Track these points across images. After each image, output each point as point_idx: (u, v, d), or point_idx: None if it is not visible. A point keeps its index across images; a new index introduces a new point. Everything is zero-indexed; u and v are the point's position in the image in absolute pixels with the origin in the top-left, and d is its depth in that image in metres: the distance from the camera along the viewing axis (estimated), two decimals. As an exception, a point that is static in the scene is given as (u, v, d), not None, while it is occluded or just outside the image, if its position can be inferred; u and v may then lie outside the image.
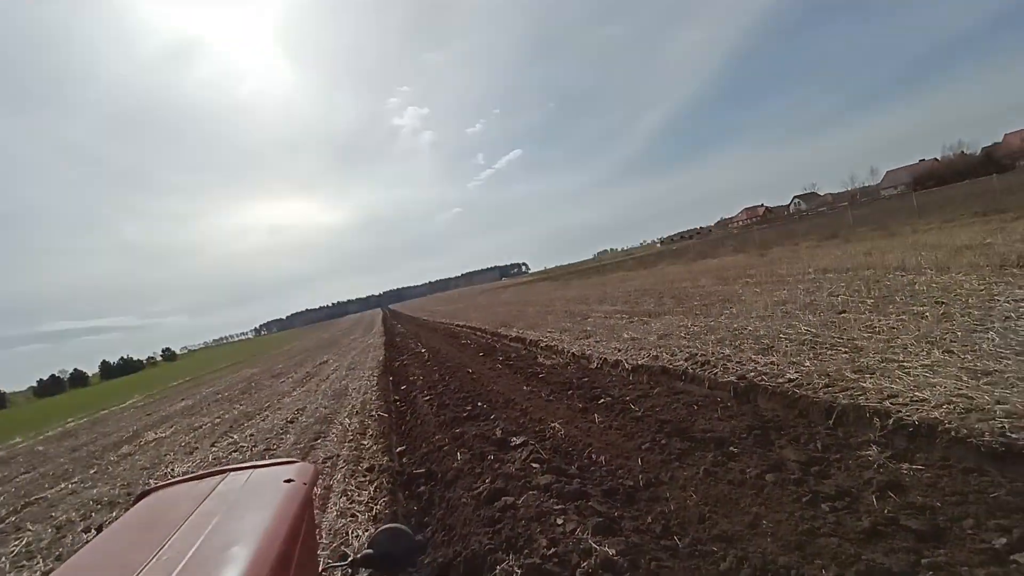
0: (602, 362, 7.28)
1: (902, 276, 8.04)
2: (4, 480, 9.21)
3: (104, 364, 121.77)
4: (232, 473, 1.30)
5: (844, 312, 6.55)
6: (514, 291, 42.72)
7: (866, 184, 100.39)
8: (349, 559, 1.24)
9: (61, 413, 24.76)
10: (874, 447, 3.18)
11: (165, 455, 8.13)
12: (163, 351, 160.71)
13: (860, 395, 3.82)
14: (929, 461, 2.92)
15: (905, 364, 4.18)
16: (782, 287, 9.71)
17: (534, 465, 3.89)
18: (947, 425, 3.04)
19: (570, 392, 6.12)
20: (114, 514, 5.44)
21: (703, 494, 3.03)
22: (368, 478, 4.69)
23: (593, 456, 3.98)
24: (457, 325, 19.88)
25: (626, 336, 8.36)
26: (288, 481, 1.21)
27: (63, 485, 7.58)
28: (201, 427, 9.98)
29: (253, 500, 1.12)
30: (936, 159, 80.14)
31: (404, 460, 5.30)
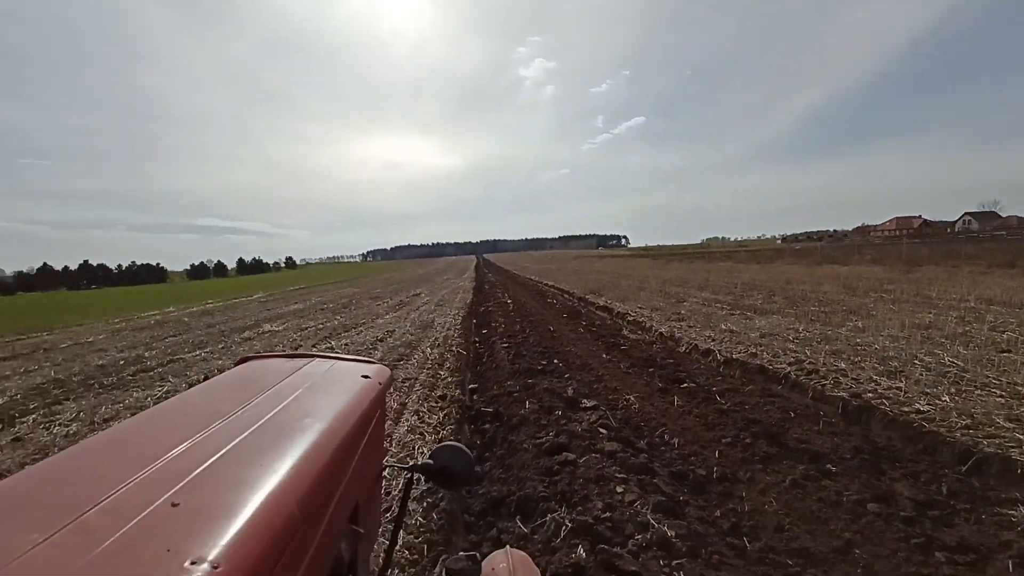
0: (692, 348, 6.84)
1: (1100, 324, 6.45)
2: (158, 339, 11.14)
3: (240, 261, 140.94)
4: (318, 359, 1.37)
5: (1008, 352, 5.46)
6: (610, 262, 41.62)
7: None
8: (410, 464, 1.25)
9: (204, 295, 29.28)
10: (1022, 507, 2.62)
11: (276, 345, 9.28)
12: (286, 259, 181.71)
13: (1012, 447, 3.18)
14: (1096, 542, 2.34)
15: (1085, 425, 3.38)
16: (928, 310, 8.32)
17: (601, 430, 3.78)
18: None
19: (651, 370, 5.85)
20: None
21: (785, 505, 2.73)
22: (440, 405, 4.92)
23: (666, 436, 3.77)
24: (546, 284, 19.90)
25: (723, 327, 7.76)
26: (365, 377, 1.25)
27: (197, 352, 8.99)
28: (307, 328, 11.18)
29: (332, 385, 1.18)
30: None
31: (475, 397, 5.47)
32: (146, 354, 8.96)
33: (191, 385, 6.46)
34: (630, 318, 9.56)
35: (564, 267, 35.51)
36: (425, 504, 3.00)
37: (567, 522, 2.49)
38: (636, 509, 2.53)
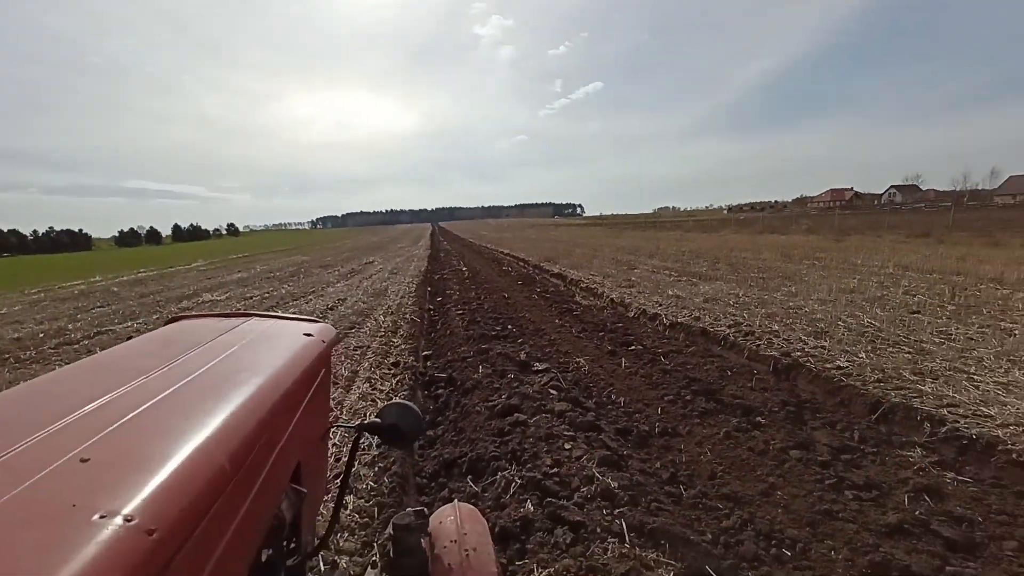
0: (640, 313, 7.09)
1: (996, 289, 7.20)
2: (83, 310, 10.31)
3: (176, 228, 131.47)
4: (256, 318, 1.33)
5: (918, 313, 6.01)
6: (565, 230, 42.02)
7: (979, 187, 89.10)
8: (357, 423, 1.23)
9: (135, 263, 27.22)
10: (918, 450, 2.95)
11: (217, 315, 8.83)
12: (228, 226, 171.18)
13: (915, 397, 3.56)
14: (979, 477, 2.68)
15: (976, 377, 3.82)
16: (852, 276, 8.99)
17: (552, 391, 3.89)
18: (1010, 446, 2.76)
19: (601, 334, 6.03)
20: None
21: (719, 454, 2.95)
22: (392, 372, 4.88)
23: (612, 396, 3.94)
24: (502, 252, 19.90)
25: (670, 293, 8.08)
26: (308, 335, 1.21)
27: (129, 323, 8.41)
28: (252, 298, 10.68)
29: (271, 343, 1.13)
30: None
31: (428, 364, 5.46)
32: (69, 326, 8.30)
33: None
34: (583, 285, 9.76)
35: (520, 235, 35.55)
36: (376, 469, 3.01)
37: (516, 479, 2.58)
38: (582, 464, 2.65)
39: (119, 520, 0.46)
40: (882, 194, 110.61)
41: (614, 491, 2.38)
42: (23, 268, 29.72)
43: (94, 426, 0.63)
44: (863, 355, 4.55)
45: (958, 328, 5.19)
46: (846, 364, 4.33)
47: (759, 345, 5.02)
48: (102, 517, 0.46)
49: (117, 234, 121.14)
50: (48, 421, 0.63)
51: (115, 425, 0.64)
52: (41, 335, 7.62)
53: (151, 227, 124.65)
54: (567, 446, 2.87)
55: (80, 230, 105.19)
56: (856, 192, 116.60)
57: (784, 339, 5.16)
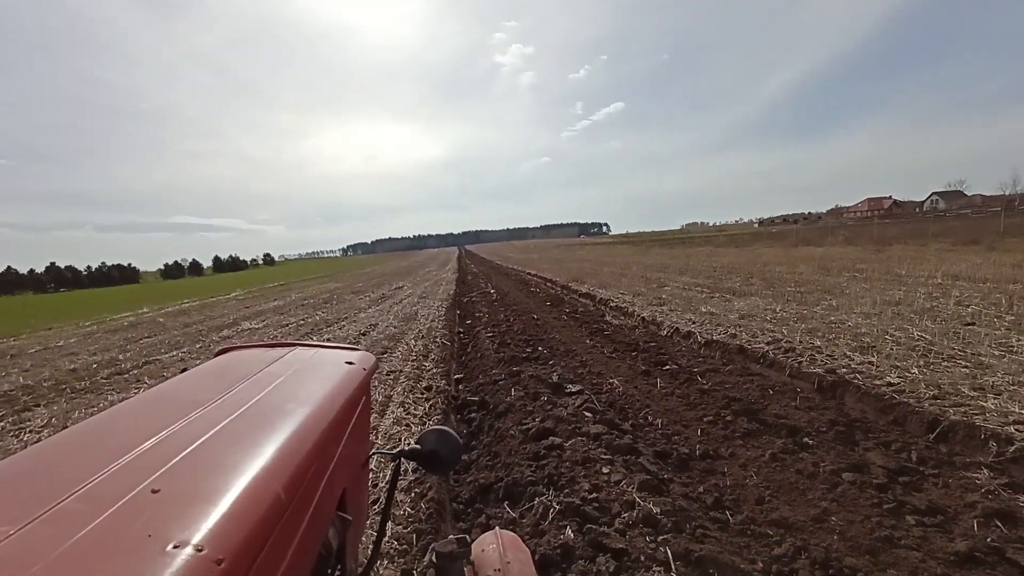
0: (673, 331, 6.95)
1: (1060, 296, 6.75)
2: (132, 340, 10.84)
3: (216, 259, 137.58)
4: (300, 348, 1.37)
5: (973, 324, 5.69)
6: (591, 250, 41.86)
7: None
8: (397, 449, 1.25)
9: (179, 294, 28.56)
10: (985, 471, 2.75)
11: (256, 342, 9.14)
12: (264, 256, 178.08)
13: (977, 414, 3.34)
14: (1058, 501, 2.47)
15: (1045, 391, 3.55)
16: (898, 287, 8.60)
17: (587, 414, 3.83)
18: (1090, 467, 2.55)
19: (634, 354, 5.93)
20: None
21: (765, 477, 2.82)
22: (425, 396, 4.91)
23: (649, 417, 3.84)
24: (529, 273, 19.95)
25: (703, 310, 7.90)
26: (349, 363, 1.24)
27: (174, 352, 8.78)
28: (288, 325, 11.01)
29: (315, 371, 1.17)
30: None
31: (460, 387, 5.48)
32: (120, 356, 8.72)
33: (169, 386, 6.32)
34: (612, 304, 9.66)
35: (546, 256, 35.60)
36: (413, 494, 3.01)
37: (555, 504, 2.53)
38: (622, 488, 2.58)
39: (190, 550, 0.48)
40: (924, 201, 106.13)
41: (656, 517, 2.31)
42: (78, 302, 31.56)
43: (160, 458, 0.66)
44: (915, 370, 4.32)
45: (1020, 340, 4.87)
46: (897, 380, 4.12)
47: (801, 362, 4.83)
48: (175, 547, 0.48)
49: (163, 267, 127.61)
50: (118, 454, 0.66)
51: (179, 457, 0.67)
52: (95, 366, 8.03)
53: (193, 259, 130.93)
54: (605, 470, 2.81)
55: (129, 264, 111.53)
56: (895, 200, 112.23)
57: (828, 355, 4.96)
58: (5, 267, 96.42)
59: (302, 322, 11.19)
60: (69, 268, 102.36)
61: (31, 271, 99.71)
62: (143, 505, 0.55)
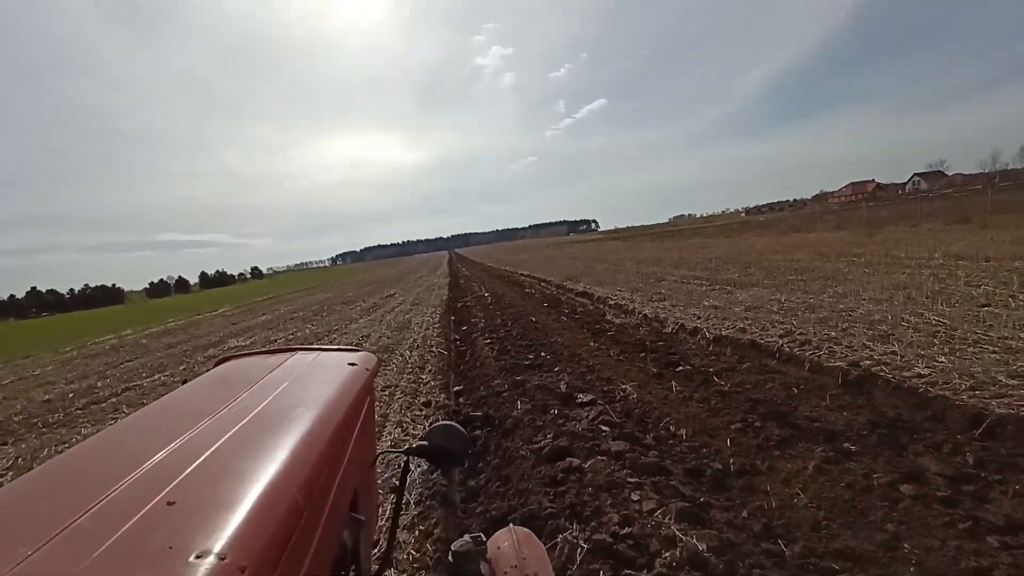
0: (678, 327, 6.66)
1: (1072, 271, 6.58)
2: (113, 365, 10.34)
3: (203, 275, 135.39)
4: (300, 352, 1.36)
5: (988, 306, 5.46)
6: (581, 247, 41.64)
7: (1009, 166, 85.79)
8: (405, 447, 1.24)
9: (165, 313, 27.80)
10: (1056, 473, 2.47)
11: (242, 362, 8.71)
12: (252, 269, 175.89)
13: (1022, 404, 3.06)
14: None
15: (1092, 375, 3.30)
16: (901, 270, 8.40)
17: (603, 428, 3.51)
18: None
19: (642, 355, 5.62)
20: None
21: (814, 495, 2.50)
22: (424, 412, 4.57)
23: (672, 428, 3.53)
24: (521, 274, 19.61)
25: (706, 304, 7.63)
26: (351, 364, 1.23)
27: (156, 376, 8.33)
28: (277, 340, 10.58)
29: (318, 375, 1.16)
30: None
31: (461, 400, 5.13)
32: (98, 384, 8.26)
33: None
34: (611, 302, 9.36)
35: (537, 256, 35.30)
36: (417, 532, 2.67)
37: (582, 543, 2.20)
38: (657, 520, 2.26)
39: (213, 559, 0.47)
40: (906, 183, 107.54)
41: (703, 555, 1.98)
42: (60, 326, 30.68)
43: (172, 470, 0.65)
44: (943, 359, 4.06)
45: (1044, 320, 4.64)
46: (927, 371, 3.85)
47: (820, 355, 4.56)
48: (198, 557, 0.47)
49: (148, 286, 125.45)
50: (129, 468, 0.65)
51: (191, 468, 0.66)
52: (71, 395, 7.57)
53: (179, 276, 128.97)
54: (634, 496, 2.48)
55: (114, 284, 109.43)
56: (878, 183, 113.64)
57: (846, 346, 4.69)
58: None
59: (291, 336, 10.78)
60: (51, 292, 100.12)
61: (11, 297, 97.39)
62: (160, 518, 0.54)
